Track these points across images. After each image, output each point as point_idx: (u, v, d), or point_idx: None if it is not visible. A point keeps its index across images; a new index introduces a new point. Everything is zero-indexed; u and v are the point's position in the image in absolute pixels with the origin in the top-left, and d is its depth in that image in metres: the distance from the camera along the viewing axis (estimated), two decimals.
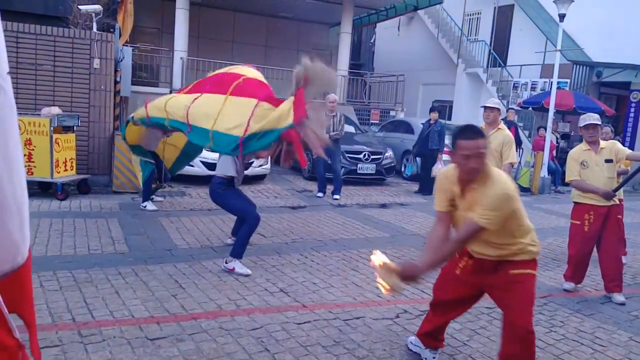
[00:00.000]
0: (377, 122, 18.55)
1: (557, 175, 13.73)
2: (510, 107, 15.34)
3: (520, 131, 15.03)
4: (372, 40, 26.90)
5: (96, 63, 9.10)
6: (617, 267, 5.54)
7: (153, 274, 5.18)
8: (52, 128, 7.95)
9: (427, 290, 5.31)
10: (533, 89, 16.91)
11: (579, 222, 5.59)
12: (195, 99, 5.68)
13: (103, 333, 3.81)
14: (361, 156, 11.94)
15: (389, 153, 12.56)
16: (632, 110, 16.53)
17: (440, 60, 21.55)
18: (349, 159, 11.75)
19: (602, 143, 5.58)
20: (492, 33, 20.57)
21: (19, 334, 1.14)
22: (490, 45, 19.89)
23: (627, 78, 16.28)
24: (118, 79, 9.48)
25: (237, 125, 5.20)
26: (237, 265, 5.41)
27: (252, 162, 9.64)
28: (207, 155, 9.26)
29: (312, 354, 3.76)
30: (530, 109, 16.04)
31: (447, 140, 11.87)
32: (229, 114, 5.35)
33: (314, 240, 7.04)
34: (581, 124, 5.59)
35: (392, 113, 19.24)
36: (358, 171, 11.86)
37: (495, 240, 3.25)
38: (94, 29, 9.59)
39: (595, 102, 14.71)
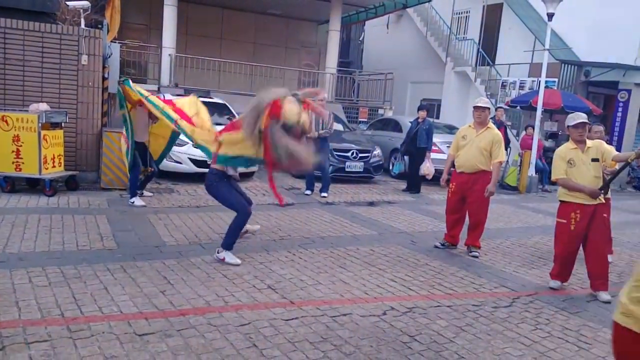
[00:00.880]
0: (366, 120, 18.60)
1: (545, 174, 13.86)
2: (499, 106, 15.41)
3: (509, 131, 15.12)
4: (360, 38, 26.91)
5: (84, 59, 9.06)
6: (603, 265, 5.60)
7: (141, 270, 5.19)
8: (40, 124, 7.91)
9: (413, 288, 5.37)
10: (521, 87, 16.98)
11: (565, 221, 5.62)
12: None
13: (92, 328, 3.82)
14: (349, 154, 11.96)
15: (377, 151, 12.60)
16: (620, 109, 16.70)
17: (429, 59, 21.59)
18: (337, 157, 11.77)
19: (589, 142, 5.62)
20: (480, 32, 20.65)
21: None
22: (479, 43, 19.97)
23: (615, 77, 16.42)
24: (106, 76, 9.44)
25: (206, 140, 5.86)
26: (228, 256, 5.66)
27: None
28: (195, 152, 9.27)
29: (300, 350, 3.79)
30: (518, 107, 16.13)
31: (435, 138, 11.94)
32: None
33: (301, 237, 7.07)
34: (570, 123, 5.57)
35: (380, 111, 19.31)
36: (346, 169, 11.88)
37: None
38: (82, 25, 9.54)
39: (583, 102, 14.81)
